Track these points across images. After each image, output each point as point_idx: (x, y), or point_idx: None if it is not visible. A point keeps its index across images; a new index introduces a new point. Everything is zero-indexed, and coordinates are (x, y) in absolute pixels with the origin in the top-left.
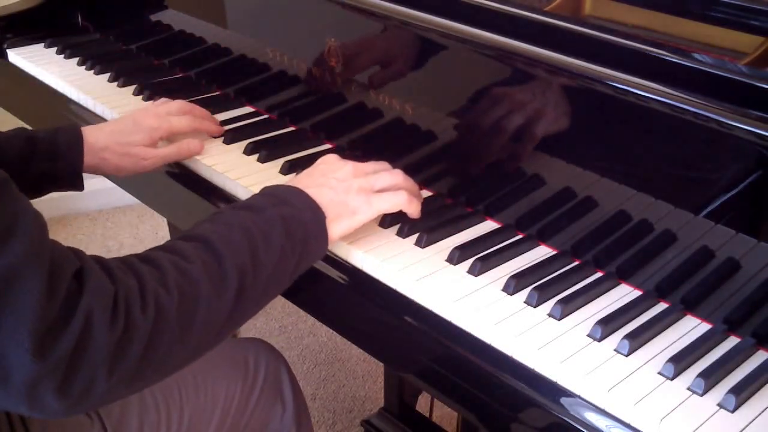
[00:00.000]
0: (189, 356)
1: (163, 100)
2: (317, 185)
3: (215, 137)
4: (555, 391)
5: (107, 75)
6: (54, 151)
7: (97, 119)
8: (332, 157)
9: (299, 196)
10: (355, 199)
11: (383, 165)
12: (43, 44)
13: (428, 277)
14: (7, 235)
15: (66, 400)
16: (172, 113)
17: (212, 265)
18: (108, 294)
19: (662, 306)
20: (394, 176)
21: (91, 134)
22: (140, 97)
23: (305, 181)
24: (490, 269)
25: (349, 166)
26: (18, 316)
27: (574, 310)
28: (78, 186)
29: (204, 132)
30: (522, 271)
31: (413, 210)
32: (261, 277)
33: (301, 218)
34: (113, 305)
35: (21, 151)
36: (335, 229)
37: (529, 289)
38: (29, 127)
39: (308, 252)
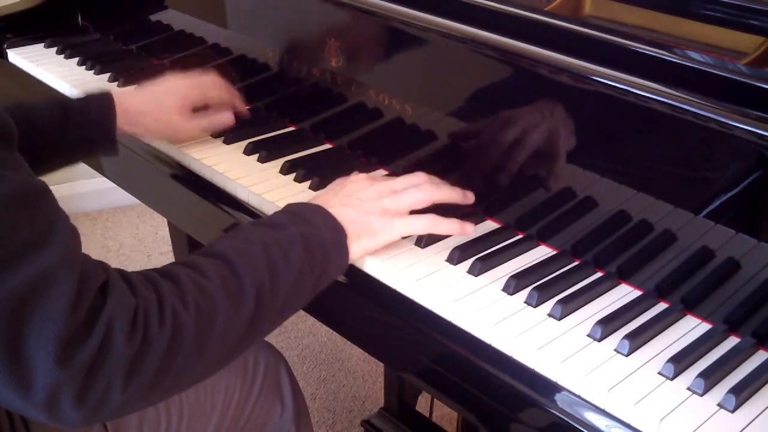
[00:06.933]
0: (205, 371)
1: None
2: (341, 204)
3: (236, 117)
4: (555, 391)
5: (107, 75)
6: (87, 118)
7: None
8: (361, 177)
9: (321, 214)
10: (377, 221)
11: (415, 180)
12: (43, 44)
13: (428, 277)
14: (42, 242)
15: (83, 410)
16: (205, 81)
17: (230, 281)
18: (129, 307)
19: (662, 306)
20: (423, 193)
21: (124, 99)
22: None
23: (330, 200)
24: (490, 269)
25: (376, 187)
26: (46, 320)
27: (574, 310)
28: (113, 151)
29: (232, 105)
30: (522, 271)
31: (444, 230)
32: (279, 294)
33: (321, 237)
34: (133, 318)
35: (57, 120)
36: (355, 248)
37: (529, 289)
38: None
39: (328, 270)
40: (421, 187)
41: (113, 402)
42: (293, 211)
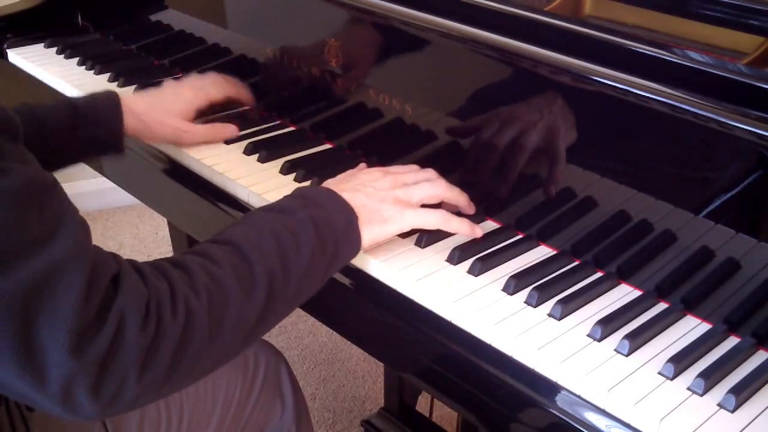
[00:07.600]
0: (218, 360)
1: (195, 74)
2: (353, 189)
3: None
4: (555, 391)
5: (107, 75)
6: (95, 117)
7: None
8: (373, 169)
9: (332, 197)
10: (389, 209)
11: (428, 174)
12: (43, 44)
13: (428, 277)
14: (52, 234)
15: (98, 402)
16: (208, 85)
17: (242, 269)
18: (141, 298)
19: (662, 306)
20: (435, 188)
21: (130, 100)
22: None
23: (341, 185)
24: (490, 269)
25: (389, 177)
26: (58, 313)
27: (574, 310)
28: (119, 149)
29: (238, 99)
30: (522, 271)
31: (454, 228)
32: (291, 280)
33: (332, 220)
34: (146, 309)
35: (67, 120)
36: (366, 234)
37: (529, 289)
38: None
39: (340, 254)
40: (434, 183)
41: (128, 393)
42: (304, 195)
